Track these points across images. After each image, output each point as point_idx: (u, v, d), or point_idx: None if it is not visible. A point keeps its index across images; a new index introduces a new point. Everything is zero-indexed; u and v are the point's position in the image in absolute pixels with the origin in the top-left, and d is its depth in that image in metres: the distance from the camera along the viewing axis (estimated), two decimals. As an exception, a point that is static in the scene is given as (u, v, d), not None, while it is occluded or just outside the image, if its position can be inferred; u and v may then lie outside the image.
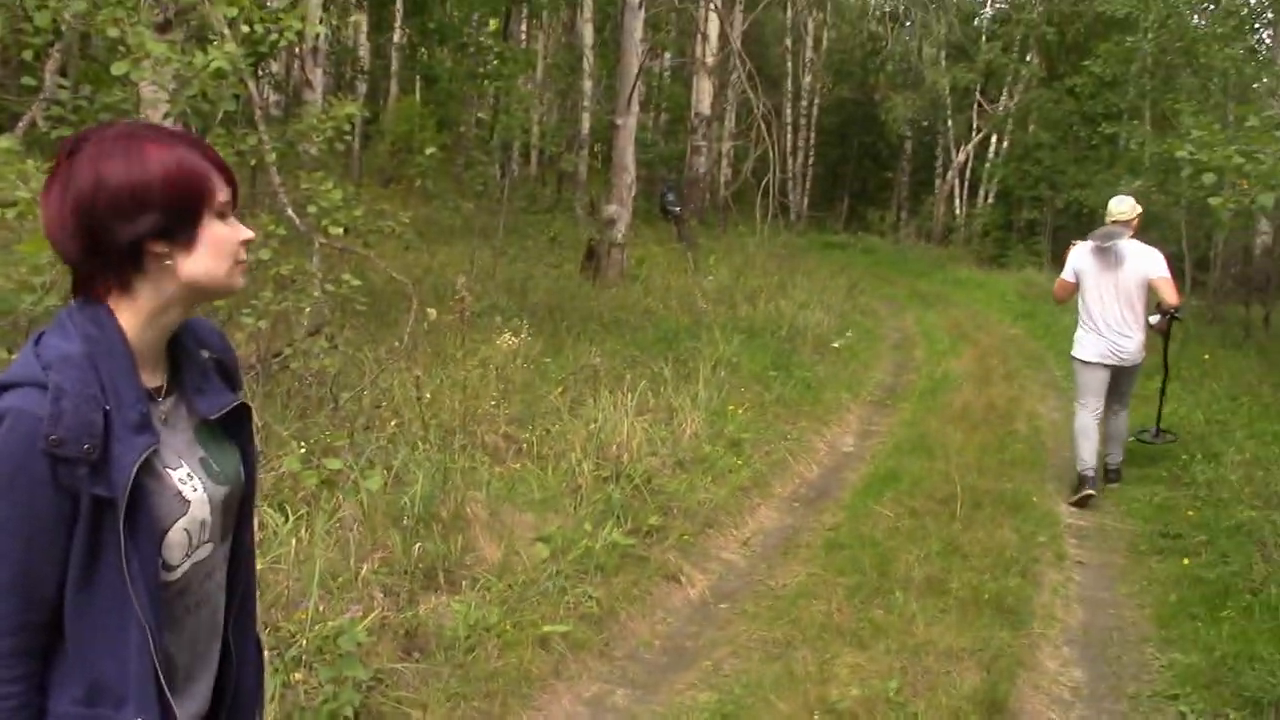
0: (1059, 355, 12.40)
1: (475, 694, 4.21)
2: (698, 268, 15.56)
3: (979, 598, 5.50)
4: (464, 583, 4.97)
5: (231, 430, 1.90)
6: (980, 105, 30.88)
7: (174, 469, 1.75)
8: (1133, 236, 7.51)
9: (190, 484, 1.76)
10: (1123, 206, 7.55)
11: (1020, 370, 12.28)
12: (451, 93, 23.56)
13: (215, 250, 1.73)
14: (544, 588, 5.07)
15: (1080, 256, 7.65)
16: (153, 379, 1.77)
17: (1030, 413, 10.15)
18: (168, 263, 1.70)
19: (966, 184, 32.23)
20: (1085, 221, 21.09)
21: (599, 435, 6.93)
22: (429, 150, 11.50)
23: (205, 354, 1.90)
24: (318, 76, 16.89)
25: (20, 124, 7.87)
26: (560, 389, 8.01)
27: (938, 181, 33.15)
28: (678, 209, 22.65)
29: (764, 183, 18.53)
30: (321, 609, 4.20)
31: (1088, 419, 7.58)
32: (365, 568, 4.62)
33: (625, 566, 5.58)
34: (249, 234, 1.80)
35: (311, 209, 6.25)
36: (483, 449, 6.60)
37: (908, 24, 34.46)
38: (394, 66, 27.62)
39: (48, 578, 1.63)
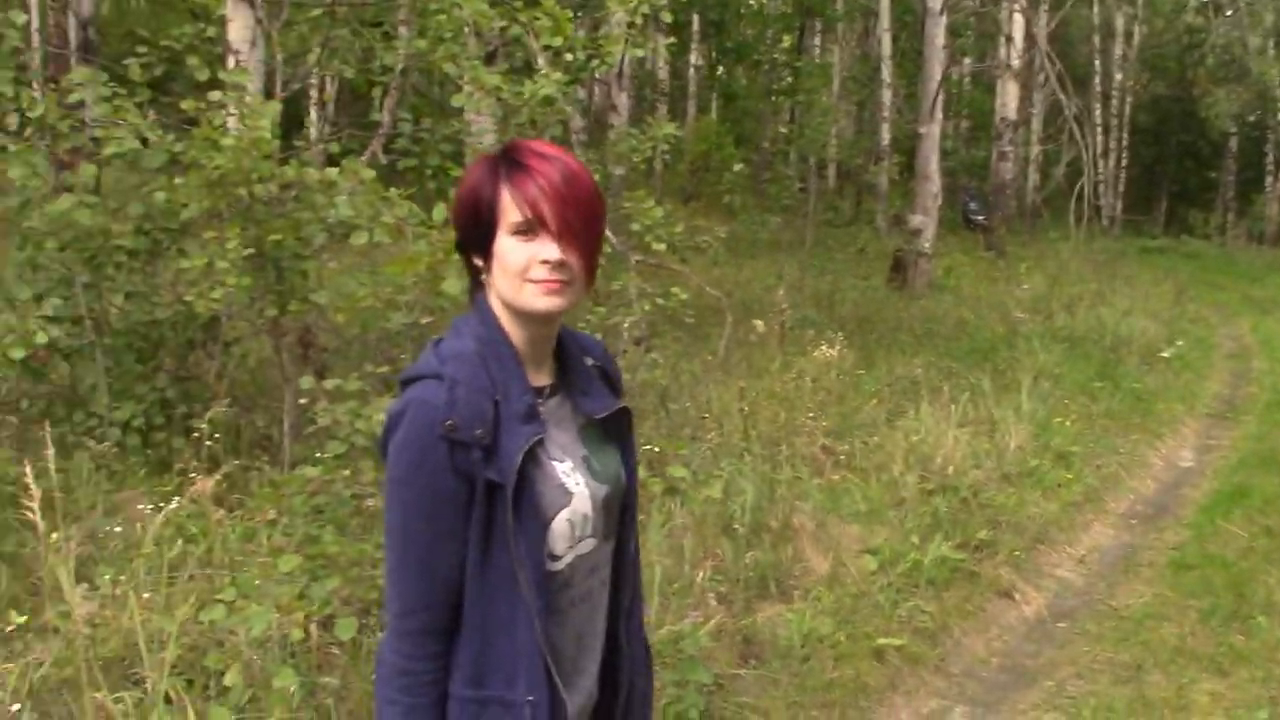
0: None
1: (813, 703, 4.19)
2: (1010, 276, 15.04)
3: (1354, 625, 5.04)
4: (795, 593, 4.97)
5: (612, 433, 1.96)
6: (1316, 95, 28.48)
7: (558, 462, 1.84)
8: None
9: (573, 478, 1.84)
10: None
11: (1379, 380, 11.22)
12: (748, 110, 23.72)
13: (503, 269, 1.77)
14: (874, 600, 4.99)
15: None
16: (539, 379, 1.86)
17: (1396, 425, 9.25)
18: (484, 276, 1.81)
19: (1302, 181, 29.80)
20: None
21: (920, 447, 6.78)
22: (736, 167, 11.63)
23: (589, 361, 1.98)
24: (623, 100, 17.37)
25: (364, 156, 8.49)
26: (875, 400, 7.90)
27: (1268, 180, 30.78)
28: (981, 217, 22.01)
29: (1077, 187, 17.75)
30: (662, 613, 4.29)
31: None
32: (700, 575, 4.68)
33: (955, 581, 5.44)
34: (548, 253, 1.74)
35: (635, 226, 6.42)
36: (802, 460, 6.59)
37: (1229, 13, 32.22)
38: (692, 87, 28.09)
39: (451, 558, 1.74)
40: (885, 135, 23.03)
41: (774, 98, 21.82)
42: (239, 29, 6.97)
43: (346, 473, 3.94)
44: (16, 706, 3.29)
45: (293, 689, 3.16)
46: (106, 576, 3.86)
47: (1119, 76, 32.79)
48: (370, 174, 4.79)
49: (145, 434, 5.63)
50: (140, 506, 4.92)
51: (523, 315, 1.80)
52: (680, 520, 5.19)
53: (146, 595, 3.80)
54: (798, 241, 14.83)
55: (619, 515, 1.96)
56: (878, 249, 17.03)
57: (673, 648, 4.02)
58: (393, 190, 4.69)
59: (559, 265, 1.74)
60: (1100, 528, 6.77)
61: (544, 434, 1.80)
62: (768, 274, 13.40)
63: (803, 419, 7.08)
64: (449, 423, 1.70)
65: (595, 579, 1.92)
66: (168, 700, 3.18)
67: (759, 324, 6.83)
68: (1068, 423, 8.07)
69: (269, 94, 7.20)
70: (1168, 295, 15.71)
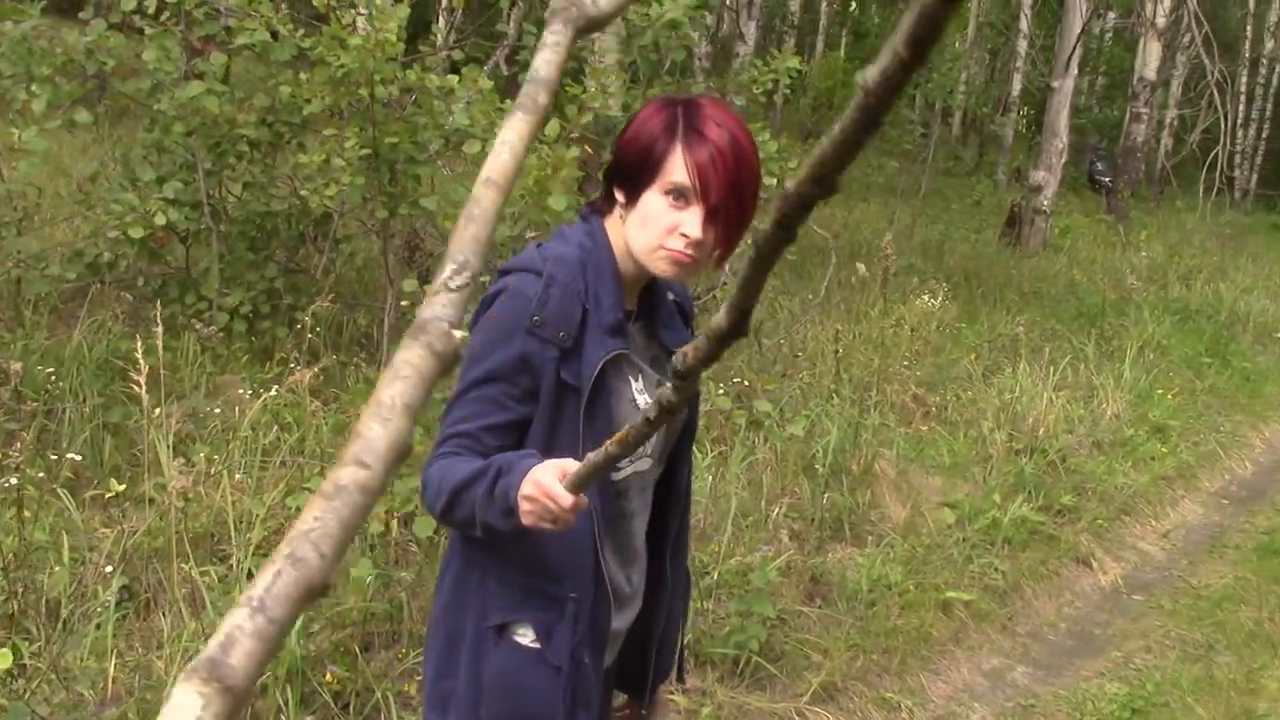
0: None
1: (875, 648, 4.23)
2: (1128, 241, 14.64)
3: None
4: (869, 538, 4.99)
5: None
6: None
7: (633, 380, 1.90)
8: None
9: (643, 397, 1.90)
10: None
11: None
12: (878, 49, 23.15)
13: (642, 221, 1.80)
14: (948, 553, 5.00)
15: None
16: (627, 302, 1.92)
17: None
18: (620, 212, 1.85)
19: None
20: None
21: (1013, 406, 6.71)
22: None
23: (671, 296, 2.04)
24: (750, 30, 17.18)
25: (488, 65, 8.54)
26: (974, 355, 7.82)
27: None
28: (1107, 179, 21.38)
29: (1210, 156, 17.14)
30: (733, 545, 4.35)
31: None
32: (776, 511, 4.72)
33: (1033, 543, 5.41)
34: (691, 228, 1.77)
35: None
36: (892, 408, 6.57)
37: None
38: (823, 21, 27.60)
39: (504, 437, 1.80)
40: (1016, 86, 22.47)
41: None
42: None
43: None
44: (110, 569, 3.47)
45: (369, 580, 3.28)
46: (202, 455, 4.03)
47: (1270, 44, 31.42)
48: (489, 84, 4.83)
49: (251, 321, 5.81)
50: (240, 391, 5.11)
51: (638, 260, 1.85)
52: (762, 455, 5.24)
53: (238, 476, 3.97)
54: (913, 188, 14.59)
55: (675, 443, 2.03)
56: (995, 202, 16.69)
57: (741, 579, 4.09)
58: (508, 102, 4.71)
59: (696, 243, 1.78)
60: (1190, 504, 6.66)
61: (627, 350, 1.86)
62: (879, 218, 13.23)
63: (897, 366, 7.05)
64: (536, 318, 1.77)
65: (644, 498, 2.01)
66: (249, 577, 3.32)
67: (861, 267, 6.74)
68: (1169, 396, 7.90)
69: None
70: (1294, 275, 15.18)
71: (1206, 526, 6.36)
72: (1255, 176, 31.28)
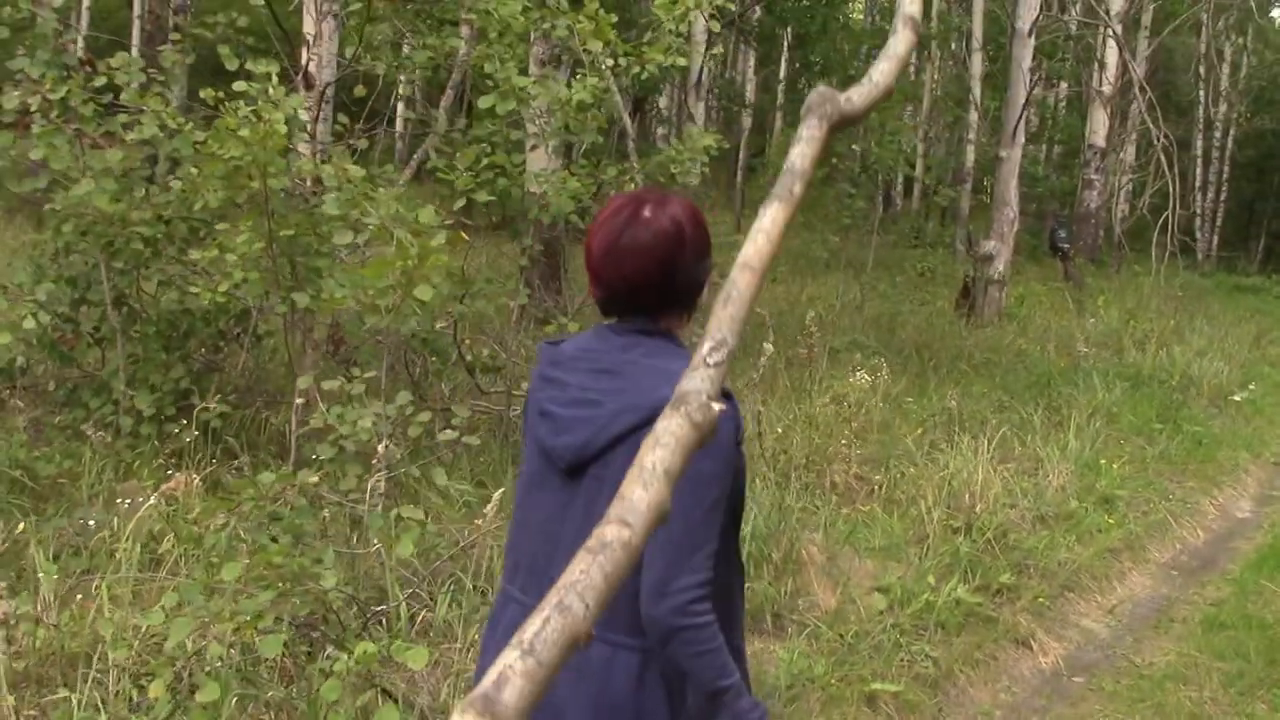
0: None
1: (792, 748, 4.02)
2: (1083, 308, 14.61)
3: (1390, 703, 4.74)
4: (792, 628, 4.79)
5: None
6: None
7: None
8: None
9: None
10: None
11: None
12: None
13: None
14: (877, 641, 4.80)
15: None
16: None
17: None
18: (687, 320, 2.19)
19: None
20: None
21: (951, 482, 6.55)
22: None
23: None
24: (699, 110, 17.23)
25: (416, 156, 8.45)
26: (920, 430, 7.67)
27: (1373, 221, 29.73)
28: (1067, 246, 21.46)
29: (1162, 219, 17.23)
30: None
31: None
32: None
33: (970, 626, 5.22)
34: None
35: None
36: (832, 489, 6.40)
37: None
38: (779, 100, 27.86)
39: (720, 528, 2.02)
40: (970, 157, 22.63)
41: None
42: (309, 20, 6.99)
43: (315, 480, 3.84)
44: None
45: (224, 701, 3.06)
46: (76, 570, 3.82)
47: (1223, 107, 31.86)
48: (360, 172, 4.71)
49: (160, 424, 5.62)
50: (141, 499, 4.91)
51: None
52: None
53: (113, 592, 3.76)
54: (861, 261, 14.56)
55: None
56: (950, 274, 16.68)
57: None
58: (380, 191, 4.60)
59: None
60: (1137, 577, 6.49)
61: None
62: (830, 294, 13.16)
63: (836, 446, 6.88)
64: (738, 437, 2.04)
65: None
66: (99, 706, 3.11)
67: (769, 346, 6.58)
68: (1115, 466, 7.76)
69: (345, 87, 7.19)
70: (1248, 336, 15.16)
71: (1154, 600, 6.18)
72: (1216, 238, 31.56)
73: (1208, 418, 10.11)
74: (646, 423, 1.91)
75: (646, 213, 2.04)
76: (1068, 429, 8.23)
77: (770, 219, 1.05)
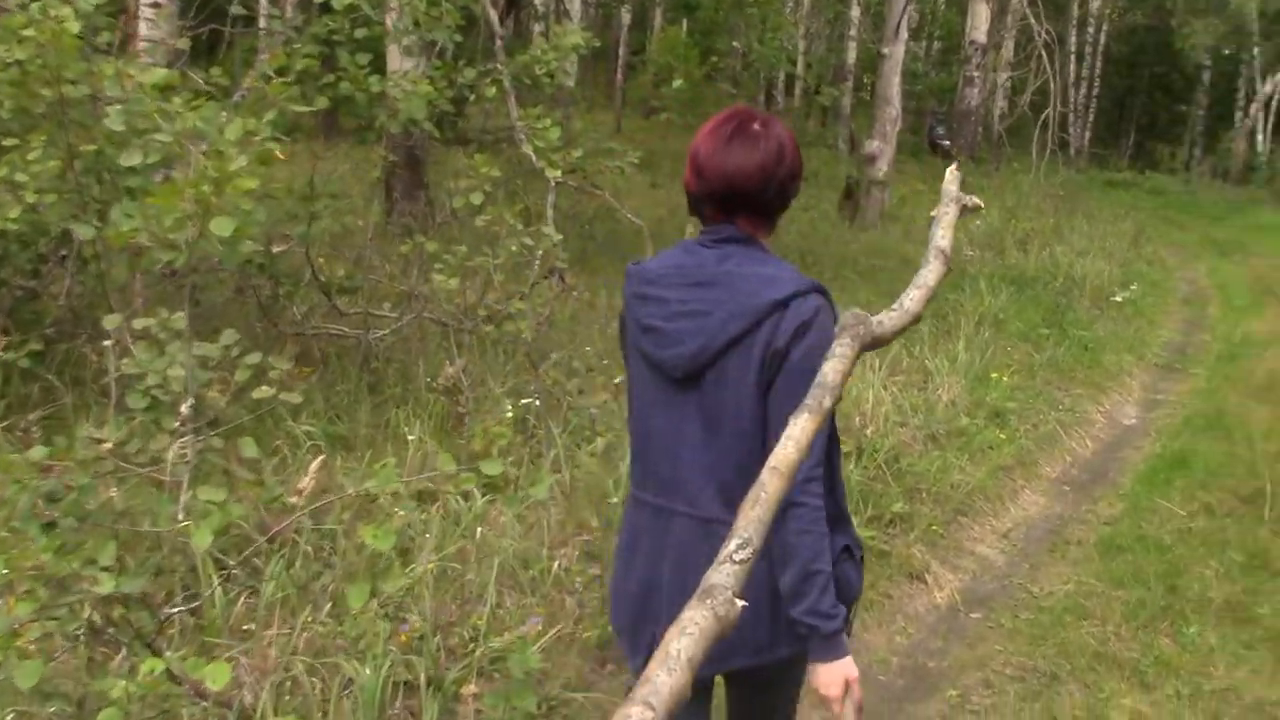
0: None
1: (675, 717, 3.64)
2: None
3: (1295, 630, 4.55)
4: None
5: None
6: (1295, 30, 27.82)
7: None
8: None
9: None
10: None
11: (1338, 334, 10.73)
12: (717, 22, 22.72)
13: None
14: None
15: None
16: None
17: (1352, 387, 8.77)
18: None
19: (1272, 118, 29.23)
20: None
21: (842, 403, 6.21)
22: (676, 83, 10.88)
23: None
24: (575, 5, 16.48)
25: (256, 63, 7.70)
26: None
27: (1238, 115, 30.28)
28: (947, 142, 21.33)
29: (1042, 117, 17.09)
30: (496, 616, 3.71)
31: None
32: (556, 562, 4.09)
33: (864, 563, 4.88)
34: None
35: (531, 146, 5.73)
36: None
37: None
38: (659, -4, 27.04)
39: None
40: (851, 55, 22.22)
41: (742, 8, 20.85)
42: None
43: (106, 443, 3.29)
44: None
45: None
46: None
47: (1097, 3, 31.91)
48: (156, 77, 4.06)
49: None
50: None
51: None
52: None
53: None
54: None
55: None
56: (833, 175, 16.35)
57: (502, 666, 3.44)
58: (176, 100, 3.98)
59: None
60: (1030, 496, 6.26)
61: None
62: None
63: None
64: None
65: None
66: None
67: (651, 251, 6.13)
68: (1006, 376, 7.52)
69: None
70: (1126, 234, 15.18)
71: (1048, 520, 5.95)
72: (1088, 135, 31.85)
73: (1091, 320, 9.99)
74: (755, 326, 2.07)
75: (756, 126, 2.17)
76: (957, 338, 7.97)
77: (800, 429, 1.26)
